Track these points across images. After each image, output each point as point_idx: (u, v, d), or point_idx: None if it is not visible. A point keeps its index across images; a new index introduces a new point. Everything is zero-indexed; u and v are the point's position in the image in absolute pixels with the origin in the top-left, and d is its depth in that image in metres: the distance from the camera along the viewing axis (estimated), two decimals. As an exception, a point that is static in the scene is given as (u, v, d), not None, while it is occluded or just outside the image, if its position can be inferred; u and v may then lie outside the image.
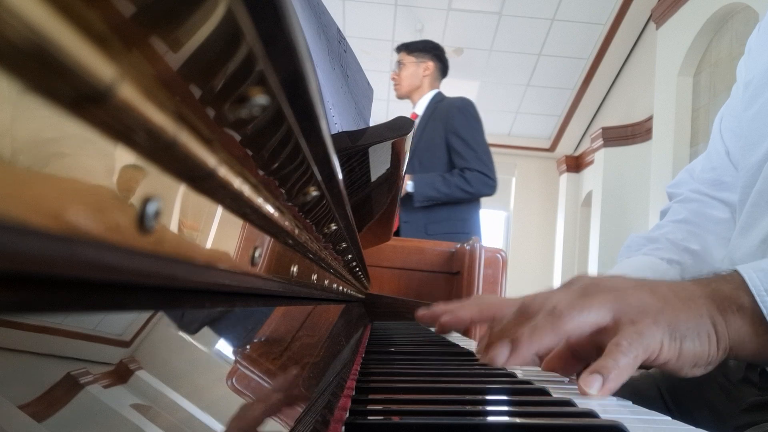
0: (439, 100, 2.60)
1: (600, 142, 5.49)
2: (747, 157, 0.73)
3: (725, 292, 0.54)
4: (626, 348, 0.50)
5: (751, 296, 0.52)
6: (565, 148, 6.88)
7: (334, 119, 0.62)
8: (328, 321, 0.58)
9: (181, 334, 0.20)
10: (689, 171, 0.95)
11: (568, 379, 0.57)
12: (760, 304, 0.52)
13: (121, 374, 0.15)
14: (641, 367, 0.59)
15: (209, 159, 0.16)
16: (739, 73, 0.84)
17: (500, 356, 0.53)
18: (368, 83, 1.04)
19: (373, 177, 0.68)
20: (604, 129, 5.44)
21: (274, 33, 0.15)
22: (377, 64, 5.84)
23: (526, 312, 0.56)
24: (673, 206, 0.94)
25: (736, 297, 0.53)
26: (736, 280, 0.54)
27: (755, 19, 3.41)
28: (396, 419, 0.33)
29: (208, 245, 0.19)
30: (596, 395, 0.48)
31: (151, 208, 0.14)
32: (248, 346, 0.26)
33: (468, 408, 0.37)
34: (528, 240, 7.06)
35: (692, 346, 0.52)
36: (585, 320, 0.52)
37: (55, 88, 0.09)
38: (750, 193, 0.70)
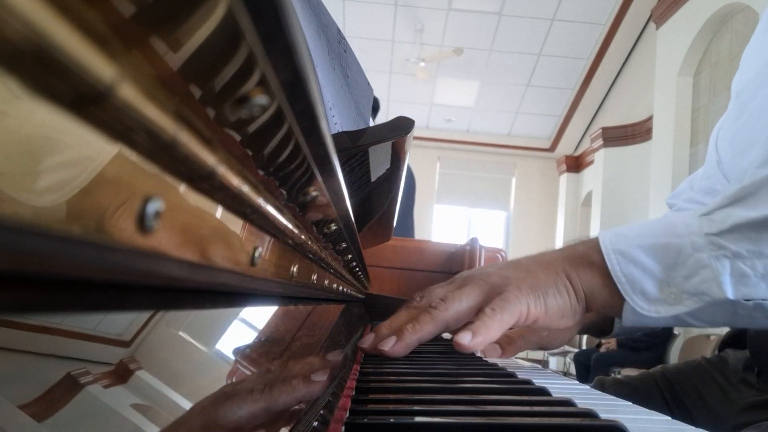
0: None
1: (600, 142, 5.49)
2: (736, 164, 0.75)
3: (579, 251, 0.64)
4: (491, 313, 0.60)
5: (601, 254, 0.61)
6: (565, 148, 6.88)
7: (334, 119, 0.62)
8: (328, 321, 0.58)
9: (181, 334, 0.20)
10: (689, 181, 0.98)
11: (561, 375, 0.66)
12: (606, 260, 0.60)
13: (121, 374, 0.15)
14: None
15: (209, 159, 0.16)
16: (733, 87, 0.86)
17: (387, 345, 0.61)
18: (368, 83, 1.04)
19: (373, 177, 0.68)
20: (604, 129, 5.45)
21: (274, 33, 0.15)
22: (377, 64, 5.84)
23: (412, 307, 0.66)
24: (667, 214, 0.98)
25: (588, 254, 0.63)
26: (592, 242, 0.64)
27: (755, 19, 3.41)
28: (395, 419, 0.33)
29: (208, 245, 0.19)
30: (468, 346, 0.58)
31: (151, 208, 0.14)
32: (248, 346, 0.26)
33: (468, 408, 0.37)
34: (528, 240, 7.07)
35: (555, 301, 0.62)
36: (459, 307, 0.62)
37: (55, 88, 0.09)
38: None
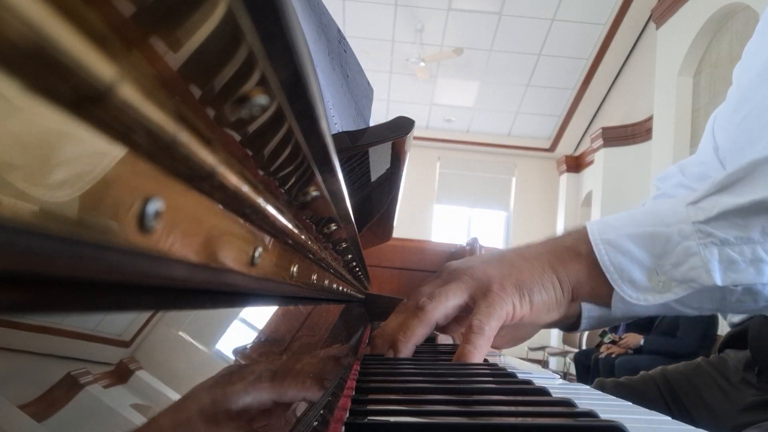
0: None
1: (600, 142, 5.49)
2: (735, 161, 0.75)
3: (566, 242, 0.65)
4: (478, 326, 0.60)
5: (589, 244, 0.62)
6: (565, 148, 6.88)
7: (334, 119, 0.62)
8: (328, 321, 0.58)
9: (181, 334, 0.20)
10: (680, 166, 0.98)
11: (559, 376, 0.65)
12: (594, 249, 0.61)
13: (121, 374, 0.15)
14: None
15: (209, 159, 0.16)
16: (735, 76, 0.86)
17: (388, 356, 0.63)
18: (368, 83, 1.04)
19: (373, 177, 0.68)
20: (604, 129, 5.45)
21: (274, 33, 0.15)
22: (377, 64, 5.84)
23: (402, 309, 0.67)
24: (653, 203, 0.97)
25: (576, 246, 0.63)
26: (579, 232, 0.64)
27: (755, 19, 3.41)
28: (395, 419, 0.33)
29: (208, 245, 0.19)
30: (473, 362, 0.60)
31: (151, 208, 0.14)
32: (248, 346, 0.26)
33: (468, 408, 0.37)
34: (528, 240, 7.04)
35: (540, 297, 0.62)
36: (446, 305, 0.63)
37: (55, 88, 0.09)
38: None
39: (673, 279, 0.58)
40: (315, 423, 0.28)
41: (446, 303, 0.62)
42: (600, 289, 0.61)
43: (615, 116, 5.71)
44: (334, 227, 0.41)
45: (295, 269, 0.35)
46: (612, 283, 0.60)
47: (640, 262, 0.59)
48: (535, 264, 0.63)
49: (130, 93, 0.11)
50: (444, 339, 0.81)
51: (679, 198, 0.62)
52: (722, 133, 0.86)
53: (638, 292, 0.59)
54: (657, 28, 4.55)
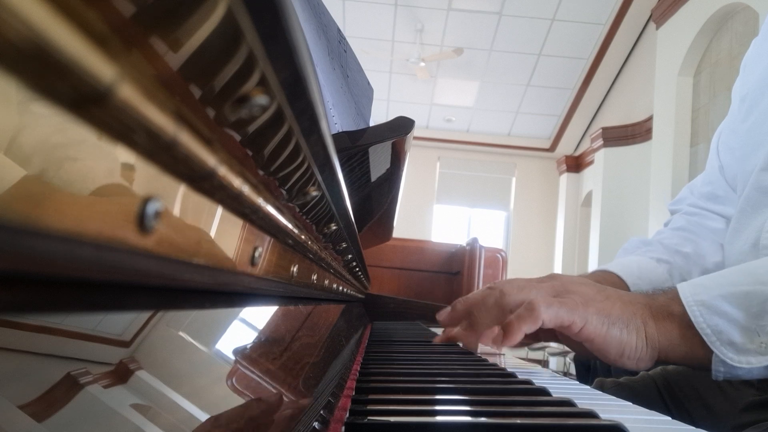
0: None
1: (600, 142, 5.48)
2: (743, 167, 0.75)
3: (660, 301, 0.63)
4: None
5: (681, 305, 0.60)
6: (565, 148, 6.88)
7: (334, 119, 0.62)
8: (328, 321, 0.58)
9: (181, 334, 0.20)
10: (690, 187, 0.99)
11: (562, 374, 0.66)
12: (688, 311, 0.59)
13: (121, 374, 0.15)
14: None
15: (209, 159, 0.16)
16: (734, 93, 0.86)
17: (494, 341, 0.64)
18: (368, 83, 1.04)
19: (373, 177, 0.68)
20: (604, 129, 5.44)
21: (274, 33, 0.15)
22: (377, 64, 5.84)
23: (503, 303, 0.69)
24: (674, 217, 0.98)
25: (668, 305, 0.62)
26: (672, 292, 0.63)
27: (755, 19, 3.41)
28: (395, 419, 0.33)
29: (208, 245, 0.19)
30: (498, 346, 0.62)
31: (151, 208, 0.14)
32: (248, 346, 0.26)
33: (468, 408, 0.37)
34: (528, 240, 7.07)
35: (619, 333, 0.61)
36: (556, 314, 0.62)
37: (55, 89, 0.09)
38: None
39: None
40: (315, 423, 0.28)
41: (558, 311, 0.62)
42: (696, 351, 0.59)
43: (615, 116, 5.71)
44: (334, 227, 0.41)
45: (295, 269, 0.35)
46: (710, 346, 0.57)
47: (737, 323, 0.57)
48: (628, 307, 0.63)
49: (130, 93, 0.11)
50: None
51: None
52: (726, 151, 0.86)
53: (739, 355, 0.57)
54: (657, 28, 4.55)
